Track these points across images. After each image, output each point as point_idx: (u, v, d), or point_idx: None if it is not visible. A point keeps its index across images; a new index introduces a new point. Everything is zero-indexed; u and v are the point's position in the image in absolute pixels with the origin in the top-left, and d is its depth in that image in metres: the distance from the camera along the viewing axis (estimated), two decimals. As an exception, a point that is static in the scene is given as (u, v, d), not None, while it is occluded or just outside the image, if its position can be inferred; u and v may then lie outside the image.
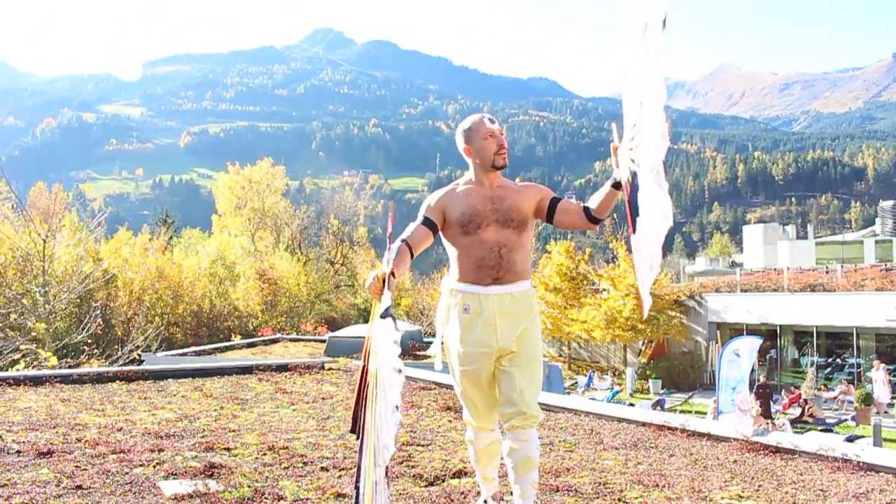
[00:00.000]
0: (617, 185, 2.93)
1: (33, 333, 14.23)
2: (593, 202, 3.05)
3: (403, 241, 3.21)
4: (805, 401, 18.80)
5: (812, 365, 24.11)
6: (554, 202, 3.14)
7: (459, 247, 3.07)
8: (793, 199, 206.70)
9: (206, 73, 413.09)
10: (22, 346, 12.91)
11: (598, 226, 3.23)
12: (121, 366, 12.12)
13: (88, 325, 15.32)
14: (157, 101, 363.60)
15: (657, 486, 3.93)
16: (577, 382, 25.75)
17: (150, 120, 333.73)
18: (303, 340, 19.16)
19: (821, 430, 16.15)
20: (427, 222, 3.15)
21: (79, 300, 18.68)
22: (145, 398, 6.48)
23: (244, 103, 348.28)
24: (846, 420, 18.16)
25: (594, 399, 17.73)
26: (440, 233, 3.15)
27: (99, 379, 7.34)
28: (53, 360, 11.72)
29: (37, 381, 6.94)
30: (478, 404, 3.09)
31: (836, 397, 20.92)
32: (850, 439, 12.12)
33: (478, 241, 3.01)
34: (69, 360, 13.78)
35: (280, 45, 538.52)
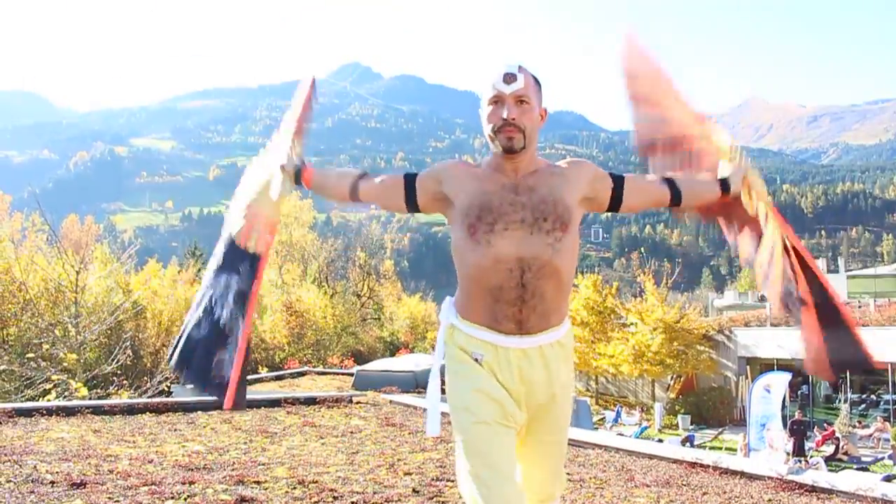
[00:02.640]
0: (726, 188, 2.47)
1: (64, 364, 14.38)
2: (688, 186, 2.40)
3: (360, 174, 2.33)
4: (839, 438, 18.42)
5: (846, 401, 23.62)
6: (619, 183, 2.23)
7: (465, 262, 2.07)
8: (823, 232, 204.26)
9: (236, 107, 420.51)
10: (53, 377, 13.07)
11: (679, 213, 2.51)
12: (150, 397, 12.22)
13: (118, 356, 15.47)
14: (186, 134, 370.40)
15: (691, 525, 3.86)
16: (604, 417, 25.45)
17: (179, 153, 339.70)
18: (330, 373, 19.17)
19: (856, 469, 15.77)
20: (407, 177, 2.20)
21: (109, 331, 18.87)
22: (175, 430, 6.52)
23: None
24: (883, 458, 17.73)
25: (622, 434, 17.54)
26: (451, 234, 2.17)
27: (129, 410, 7.41)
28: (83, 391, 11.83)
29: (69, 412, 7.02)
30: (492, 458, 2.09)
31: (871, 435, 20.47)
32: (889, 479, 11.83)
33: (491, 257, 2.01)
34: (98, 390, 13.92)
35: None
